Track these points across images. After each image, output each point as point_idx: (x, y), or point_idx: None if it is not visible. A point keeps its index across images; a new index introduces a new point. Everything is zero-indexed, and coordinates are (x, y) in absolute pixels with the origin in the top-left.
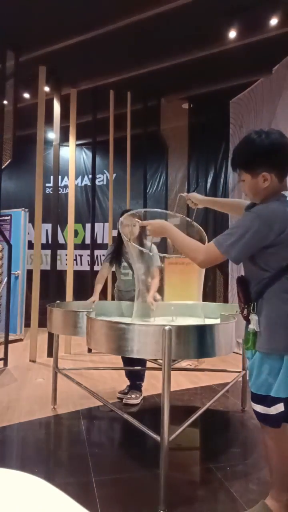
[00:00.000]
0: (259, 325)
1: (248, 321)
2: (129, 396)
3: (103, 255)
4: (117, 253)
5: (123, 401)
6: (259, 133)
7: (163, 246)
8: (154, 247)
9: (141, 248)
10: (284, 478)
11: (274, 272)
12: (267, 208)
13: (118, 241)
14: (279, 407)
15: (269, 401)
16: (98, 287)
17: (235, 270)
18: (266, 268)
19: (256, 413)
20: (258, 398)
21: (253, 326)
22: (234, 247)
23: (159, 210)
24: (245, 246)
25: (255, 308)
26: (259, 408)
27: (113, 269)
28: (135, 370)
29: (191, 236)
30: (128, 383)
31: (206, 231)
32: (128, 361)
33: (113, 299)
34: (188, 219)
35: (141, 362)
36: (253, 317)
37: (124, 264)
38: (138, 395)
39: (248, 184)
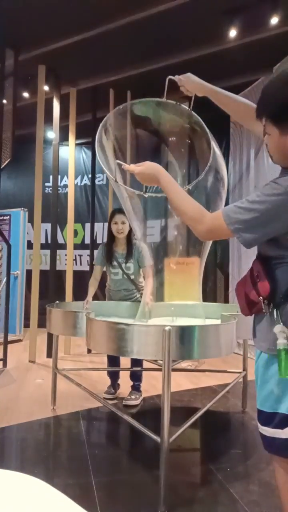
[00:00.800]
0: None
1: (258, 313)
2: (129, 397)
3: None
4: (108, 254)
5: (123, 402)
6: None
7: (163, 246)
8: (144, 247)
9: (134, 191)
10: None
11: None
12: None
13: (108, 241)
14: None
15: (277, 420)
16: (91, 290)
17: (236, 270)
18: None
19: (262, 437)
20: (264, 417)
21: (283, 340)
22: (247, 227)
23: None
24: (262, 228)
25: (276, 311)
26: (266, 430)
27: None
28: (132, 371)
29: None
30: (109, 382)
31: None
32: (113, 361)
33: (104, 298)
34: (185, 107)
35: (138, 362)
36: (280, 327)
37: (114, 263)
38: (138, 396)
39: (275, 141)
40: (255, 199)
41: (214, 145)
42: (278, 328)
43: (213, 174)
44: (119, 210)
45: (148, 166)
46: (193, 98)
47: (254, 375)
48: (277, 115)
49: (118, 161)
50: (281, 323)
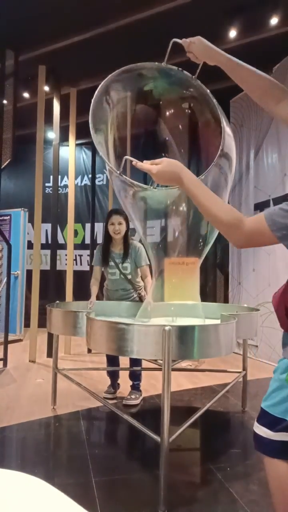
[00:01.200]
0: None
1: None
2: (129, 397)
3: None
4: (104, 254)
5: (123, 402)
6: None
7: (163, 246)
8: (141, 247)
9: (143, 185)
10: None
11: None
12: None
13: (105, 241)
14: (284, 436)
15: (274, 422)
16: (94, 289)
17: (236, 270)
18: None
19: (256, 436)
20: (269, 420)
21: None
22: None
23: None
24: None
25: None
26: (260, 429)
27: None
28: (132, 370)
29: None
30: (109, 382)
31: None
32: (112, 361)
33: (103, 298)
34: (188, 74)
35: (137, 362)
36: None
37: (111, 263)
38: (137, 396)
39: None
40: None
41: (224, 123)
42: None
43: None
44: (116, 211)
45: (168, 164)
46: (200, 66)
47: (253, 375)
48: None
49: (127, 157)
50: None
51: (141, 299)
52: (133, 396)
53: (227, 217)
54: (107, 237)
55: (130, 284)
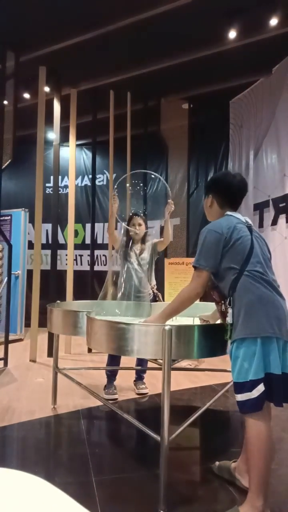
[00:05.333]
0: (232, 317)
1: (225, 316)
2: (141, 387)
3: (104, 255)
4: (124, 252)
5: (138, 392)
6: (226, 173)
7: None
8: (155, 239)
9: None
10: (261, 478)
11: (238, 268)
12: (213, 222)
13: (126, 241)
14: (260, 388)
15: (249, 385)
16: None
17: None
18: (232, 267)
19: (239, 403)
20: (240, 387)
21: (230, 319)
22: (206, 258)
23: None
24: (213, 253)
25: (231, 302)
26: (241, 396)
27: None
28: (138, 364)
29: None
30: (106, 381)
31: None
32: (114, 361)
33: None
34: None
35: (143, 359)
36: (229, 310)
37: (130, 257)
38: (145, 385)
39: (203, 201)
40: (198, 246)
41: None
42: (229, 309)
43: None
44: (136, 214)
45: (152, 319)
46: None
47: None
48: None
49: None
50: (230, 307)
51: (154, 298)
52: (143, 386)
53: (185, 297)
54: (128, 237)
55: (146, 277)
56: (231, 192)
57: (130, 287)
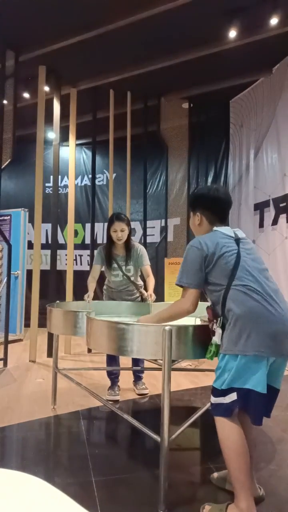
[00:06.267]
0: (221, 339)
1: (213, 334)
2: (141, 387)
3: None
4: (108, 257)
5: (138, 392)
6: (209, 187)
7: (163, 246)
8: (142, 248)
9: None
10: (236, 480)
11: (225, 285)
12: (197, 238)
13: (108, 244)
14: (233, 396)
15: (224, 392)
16: (91, 286)
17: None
18: (218, 283)
19: (212, 405)
20: (215, 390)
21: (216, 339)
22: (188, 276)
23: None
24: (195, 270)
25: (220, 323)
26: (215, 399)
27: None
28: (135, 363)
29: None
30: (109, 384)
31: None
32: (113, 361)
33: (102, 297)
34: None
35: (139, 359)
36: (217, 330)
37: (114, 265)
38: (145, 385)
39: (190, 220)
40: (181, 265)
41: None
42: (217, 329)
43: None
44: (118, 217)
45: (145, 318)
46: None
47: None
48: (190, 204)
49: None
50: (220, 327)
51: (142, 299)
52: (143, 386)
53: (175, 312)
54: (110, 241)
55: (133, 284)
56: (219, 207)
57: (118, 295)
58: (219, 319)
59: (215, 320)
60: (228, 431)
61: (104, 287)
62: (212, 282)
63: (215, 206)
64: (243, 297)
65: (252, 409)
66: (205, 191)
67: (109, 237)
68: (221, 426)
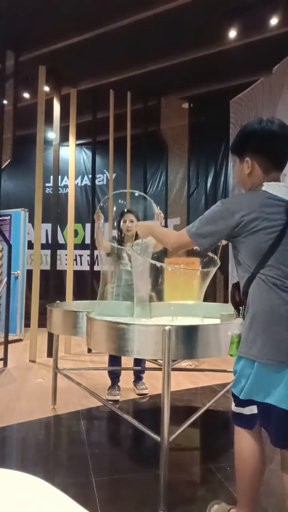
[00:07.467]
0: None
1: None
2: (141, 387)
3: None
4: (117, 249)
5: (138, 392)
6: (259, 120)
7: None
8: (149, 239)
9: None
10: (242, 491)
11: (252, 268)
12: (234, 196)
13: (118, 237)
14: (253, 409)
15: (243, 401)
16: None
17: (235, 270)
18: (245, 266)
19: (232, 413)
20: (237, 400)
21: (236, 329)
22: (200, 232)
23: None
24: (210, 232)
25: (242, 312)
26: (235, 408)
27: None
28: (136, 364)
29: None
30: (109, 383)
31: None
32: (115, 361)
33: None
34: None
35: (141, 359)
36: (237, 320)
37: (124, 255)
38: (145, 385)
39: (236, 168)
40: (204, 214)
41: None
42: (236, 320)
43: None
44: (128, 210)
45: (142, 222)
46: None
47: None
48: (234, 146)
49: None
50: (241, 316)
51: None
52: (143, 386)
53: (164, 235)
54: (120, 234)
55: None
56: (277, 146)
57: (124, 290)
58: (240, 308)
59: (240, 307)
60: (244, 444)
61: (109, 289)
62: (242, 262)
63: (272, 146)
64: (268, 290)
65: (273, 427)
66: (257, 126)
67: (119, 230)
68: (238, 437)
